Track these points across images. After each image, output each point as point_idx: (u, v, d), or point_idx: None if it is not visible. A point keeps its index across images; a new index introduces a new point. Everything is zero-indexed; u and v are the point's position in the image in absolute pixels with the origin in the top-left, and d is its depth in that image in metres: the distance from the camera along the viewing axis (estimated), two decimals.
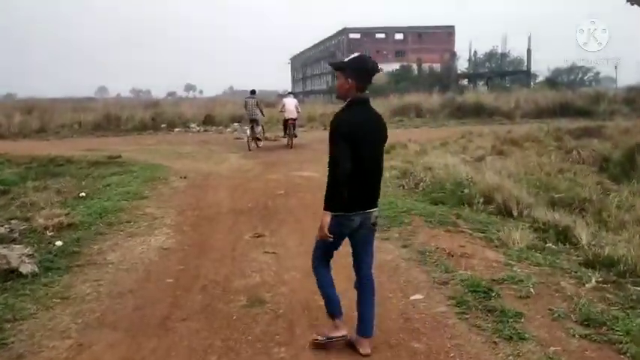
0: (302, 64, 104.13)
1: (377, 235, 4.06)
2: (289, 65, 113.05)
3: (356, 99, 3.60)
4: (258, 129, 18.52)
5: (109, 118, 30.28)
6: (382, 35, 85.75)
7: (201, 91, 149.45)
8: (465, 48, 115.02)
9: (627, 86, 45.43)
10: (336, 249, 3.82)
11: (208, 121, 31.02)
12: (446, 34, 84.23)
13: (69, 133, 27.23)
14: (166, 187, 9.54)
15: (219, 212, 7.62)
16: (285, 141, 18.80)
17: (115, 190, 8.83)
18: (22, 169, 12.84)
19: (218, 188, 9.51)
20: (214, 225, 6.98)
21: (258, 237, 6.44)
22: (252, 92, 19.28)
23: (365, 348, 3.72)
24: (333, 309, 3.79)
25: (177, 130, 28.55)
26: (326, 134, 3.62)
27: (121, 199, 8.05)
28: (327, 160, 3.55)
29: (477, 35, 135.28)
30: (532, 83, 64.75)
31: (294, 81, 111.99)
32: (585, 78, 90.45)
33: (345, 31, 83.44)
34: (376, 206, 3.78)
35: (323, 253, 3.82)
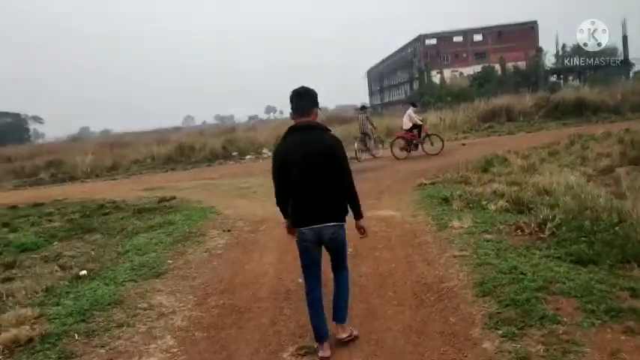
0: (379, 76, 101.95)
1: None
2: (365, 79, 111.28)
3: (291, 127, 4.18)
4: (371, 142, 20.31)
5: (182, 150, 29.22)
6: (459, 38, 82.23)
7: (281, 112, 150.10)
8: (551, 43, 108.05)
9: None
10: (310, 259, 4.25)
11: None
12: (528, 29, 79.47)
13: (140, 169, 26.29)
14: (199, 248, 7.27)
15: (255, 297, 5.15)
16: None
17: (130, 260, 6.64)
18: (63, 222, 11.19)
19: (267, 247, 7.11)
20: (243, 326, 4.57)
21: (304, 355, 4.00)
22: (362, 108, 21.01)
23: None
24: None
25: (248, 157, 26.87)
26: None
27: (129, 278, 5.84)
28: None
29: (562, 28, 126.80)
30: (631, 73, 59.10)
31: (372, 94, 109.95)
32: None
33: (420, 38, 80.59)
34: (328, 222, 4.22)
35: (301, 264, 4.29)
